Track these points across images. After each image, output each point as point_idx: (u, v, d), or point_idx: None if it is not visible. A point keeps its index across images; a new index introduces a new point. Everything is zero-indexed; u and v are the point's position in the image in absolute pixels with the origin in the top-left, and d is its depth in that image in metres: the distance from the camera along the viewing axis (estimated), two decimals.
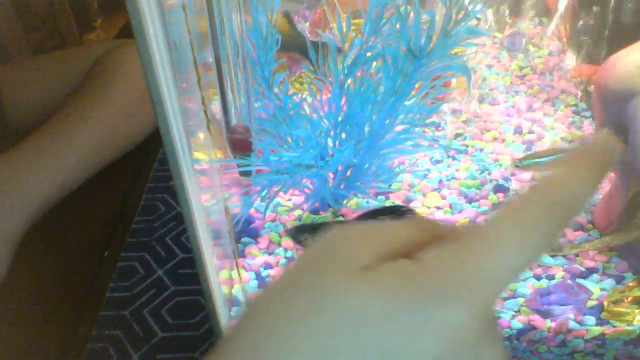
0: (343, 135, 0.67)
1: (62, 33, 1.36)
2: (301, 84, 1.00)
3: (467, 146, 0.86)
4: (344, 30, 0.63)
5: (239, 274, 0.57)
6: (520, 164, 0.68)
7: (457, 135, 0.88)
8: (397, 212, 0.60)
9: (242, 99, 0.59)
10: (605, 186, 0.73)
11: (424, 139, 0.71)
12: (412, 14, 0.58)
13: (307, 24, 1.20)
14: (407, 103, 0.66)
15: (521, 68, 1.05)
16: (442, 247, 0.22)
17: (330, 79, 0.65)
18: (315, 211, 0.74)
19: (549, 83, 1.00)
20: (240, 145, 0.59)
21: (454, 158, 0.84)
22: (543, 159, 0.67)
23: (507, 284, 0.22)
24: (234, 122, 0.60)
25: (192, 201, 0.47)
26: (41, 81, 0.99)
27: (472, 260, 0.21)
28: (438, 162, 0.83)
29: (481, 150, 0.85)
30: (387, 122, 0.64)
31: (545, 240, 0.21)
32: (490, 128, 0.89)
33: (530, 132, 0.88)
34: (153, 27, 0.39)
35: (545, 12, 1.11)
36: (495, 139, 0.87)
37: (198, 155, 0.66)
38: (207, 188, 0.52)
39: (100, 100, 0.91)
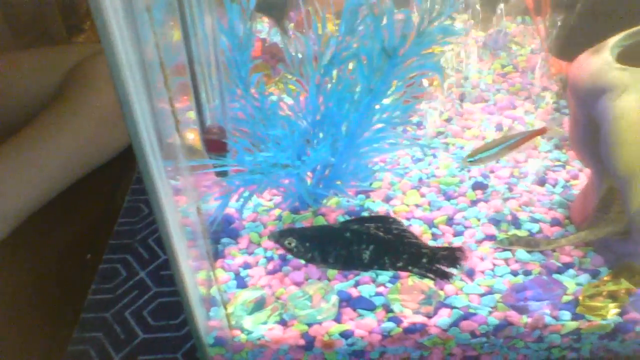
0: (321, 135, 0.67)
1: (50, 35, 1.35)
2: (285, 84, 1.01)
3: (447, 144, 0.87)
4: (320, 31, 0.63)
5: (213, 275, 0.57)
6: (471, 159, 0.68)
7: (439, 134, 0.89)
8: (384, 222, 0.61)
9: (217, 100, 0.60)
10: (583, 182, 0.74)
11: (401, 137, 0.71)
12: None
13: (292, 24, 1.21)
14: (385, 102, 0.66)
15: (503, 66, 1.06)
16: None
17: (306, 79, 0.66)
18: (295, 210, 0.74)
19: (530, 81, 1.00)
20: (215, 145, 0.59)
21: (434, 156, 0.84)
22: (491, 151, 0.67)
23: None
24: (208, 122, 0.60)
25: (163, 202, 0.47)
26: (28, 77, 0.99)
27: None
28: (419, 160, 0.84)
29: (462, 148, 0.85)
30: (364, 120, 0.65)
31: None
32: (471, 126, 0.90)
33: (511, 129, 0.88)
34: (118, 27, 0.39)
35: (527, 11, 1.12)
36: (475, 137, 0.87)
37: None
38: (181, 189, 0.52)
39: (81, 106, 0.90)
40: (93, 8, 0.36)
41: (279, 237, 0.59)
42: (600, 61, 0.57)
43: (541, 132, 0.68)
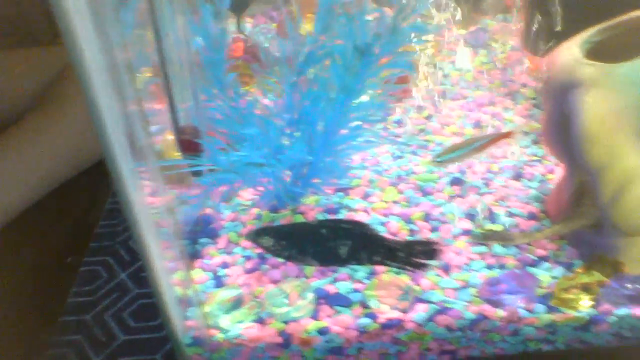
0: (297, 134, 0.67)
1: (35, 37, 1.34)
2: (264, 84, 1.01)
3: (428, 141, 0.87)
4: (296, 31, 0.64)
5: (188, 274, 0.57)
6: (440, 159, 0.69)
7: (420, 131, 0.90)
8: (357, 226, 0.62)
9: (191, 101, 0.60)
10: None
11: (378, 135, 0.71)
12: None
13: (274, 24, 1.21)
14: (364, 99, 0.66)
15: (483, 63, 1.06)
16: None
17: (283, 79, 0.66)
18: (274, 209, 0.74)
19: (510, 77, 1.01)
20: (189, 146, 0.59)
21: (414, 153, 0.85)
22: (459, 152, 0.68)
23: None
24: (182, 123, 0.60)
25: (135, 204, 0.47)
26: (15, 77, 0.98)
27: None
28: (399, 157, 0.84)
29: (441, 144, 0.86)
30: (339, 119, 0.65)
31: None
32: (451, 123, 0.90)
33: (490, 125, 0.89)
34: (83, 28, 0.39)
35: (507, 9, 1.13)
36: (454, 133, 0.88)
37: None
38: (154, 189, 0.52)
39: (70, 107, 0.90)
40: (55, 9, 0.36)
41: (255, 236, 0.60)
42: (570, 57, 0.58)
43: (507, 135, 0.70)
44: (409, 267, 0.61)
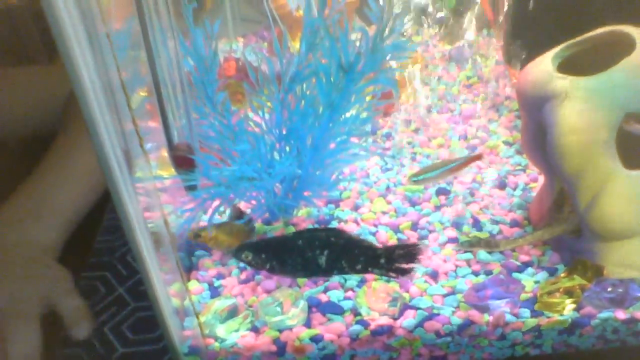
0: (287, 148, 0.70)
1: (30, 58, 1.36)
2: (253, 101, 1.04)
3: (415, 154, 0.90)
4: (282, 51, 0.67)
5: (184, 284, 0.59)
6: (415, 179, 0.73)
7: (407, 144, 0.92)
8: (333, 232, 0.64)
9: (184, 119, 0.63)
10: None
11: (367, 148, 0.74)
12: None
13: (265, 43, 1.24)
14: (347, 115, 0.69)
15: (468, 78, 1.10)
16: None
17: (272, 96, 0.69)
18: (267, 222, 0.77)
19: (494, 90, 1.05)
20: (183, 162, 0.62)
21: (402, 165, 0.88)
22: (434, 172, 0.72)
23: None
24: (176, 140, 0.63)
25: (132, 217, 0.50)
26: (10, 96, 1.00)
27: None
28: (388, 170, 0.87)
29: (428, 156, 0.89)
30: (326, 134, 0.68)
31: None
32: (437, 135, 0.93)
33: (475, 137, 0.92)
34: (81, 51, 0.42)
35: (490, 24, 1.17)
36: (440, 146, 0.91)
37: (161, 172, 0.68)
38: (151, 204, 0.54)
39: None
40: (56, 36, 0.39)
41: (237, 252, 0.61)
42: (542, 71, 0.61)
43: (478, 158, 0.74)
44: (392, 275, 0.62)
